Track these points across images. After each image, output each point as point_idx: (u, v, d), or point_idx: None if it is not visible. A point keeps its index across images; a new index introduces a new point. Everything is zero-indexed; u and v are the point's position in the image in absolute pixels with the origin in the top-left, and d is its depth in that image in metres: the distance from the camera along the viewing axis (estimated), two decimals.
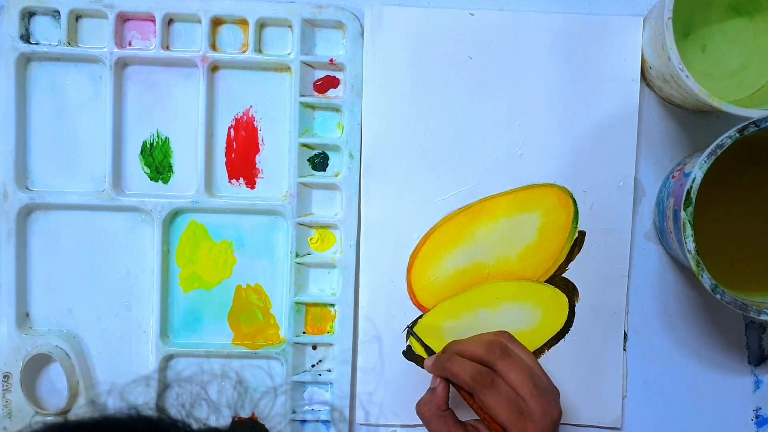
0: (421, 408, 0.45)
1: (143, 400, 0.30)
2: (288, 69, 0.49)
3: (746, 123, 0.42)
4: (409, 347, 0.51)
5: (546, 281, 0.51)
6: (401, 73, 0.49)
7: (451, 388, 0.45)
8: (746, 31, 0.48)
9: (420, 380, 0.50)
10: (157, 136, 0.50)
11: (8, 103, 0.48)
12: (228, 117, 0.50)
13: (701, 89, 0.43)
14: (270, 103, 0.50)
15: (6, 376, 0.49)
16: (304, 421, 0.51)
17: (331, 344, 0.50)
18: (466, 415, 0.45)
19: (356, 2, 0.49)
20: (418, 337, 0.49)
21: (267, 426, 0.51)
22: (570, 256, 0.51)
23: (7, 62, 0.48)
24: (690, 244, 0.42)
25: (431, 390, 0.45)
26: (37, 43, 0.49)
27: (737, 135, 0.42)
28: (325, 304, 0.50)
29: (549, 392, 0.43)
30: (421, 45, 0.49)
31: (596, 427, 0.51)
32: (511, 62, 0.50)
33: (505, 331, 0.46)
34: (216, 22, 0.49)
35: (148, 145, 0.50)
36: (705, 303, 0.51)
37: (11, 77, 0.48)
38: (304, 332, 0.51)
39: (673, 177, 0.47)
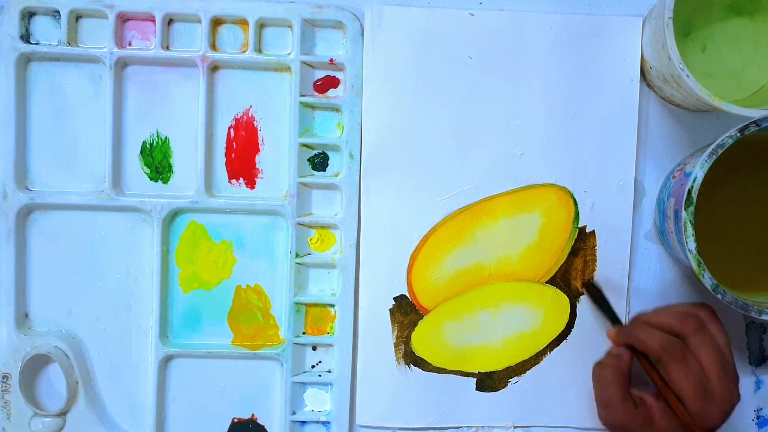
0: (601, 369, 0.44)
1: None
2: (288, 69, 0.49)
3: (747, 123, 0.42)
4: (411, 351, 0.50)
5: (547, 282, 0.51)
6: (401, 73, 0.49)
7: None
8: (746, 31, 0.48)
9: (420, 381, 0.50)
10: (157, 136, 0.50)
11: (8, 103, 0.48)
12: (228, 117, 0.50)
13: (702, 89, 0.43)
14: (270, 103, 0.50)
15: (5, 377, 0.49)
16: (303, 422, 0.51)
17: (331, 345, 0.50)
18: None
19: (356, 2, 0.49)
20: (603, 297, 0.47)
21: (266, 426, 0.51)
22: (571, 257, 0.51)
23: (7, 62, 0.48)
24: (691, 244, 0.42)
25: (614, 355, 0.44)
26: (37, 43, 0.49)
27: (738, 135, 0.42)
28: (325, 305, 0.50)
29: (734, 377, 0.42)
30: (421, 45, 0.49)
31: (600, 429, 0.51)
32: (511, 62, 0.50)
33: (707, 305, 0.44)
34: (216, 22, 0.49)
35: (147, 145, 0.50)
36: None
37: (11, 77, 0.48)
38: (304, 333, 0.50)
39: (674, 177, 0.47)
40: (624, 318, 0.51)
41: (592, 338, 0.51)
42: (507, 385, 0.51)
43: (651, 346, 0.43)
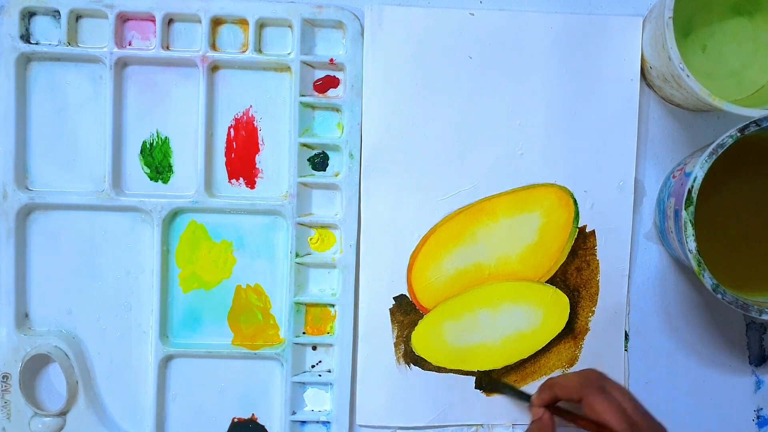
0: None
1: None
2: (288, 69, 0.49)
3: (747, 122, 0.42)
4: (411, 350, 0.50)
5: (547, 281, 0.51)
6: (401, 72, 0.49)
7: None
8: (746, 31, 0.49)
9: (420, 380, 0.50)
10: (157, 136, 0.50)
11: (8, 103, 0.48)
12: (228, 117, 0.50)
13: (702, 89, 0.43)
14: (270, 103, 0.50)
15: (5, 377, 0.49)
16: (303, 422, 0.51)
17: (331, 345, 0.50)
18: None
19: (356, 2, 0.49)
20: (507, 385, 0.48)
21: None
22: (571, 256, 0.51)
23: (7, 62, 0.48)
24: (691, 244, 0.42)
25: (537, 420, 0.45)
26: (37, 43, 0.49)
27: (738, 134, 0.42)
28: (325, 305, 0.50)
29: (654, 418, 0.42)
30: (422, 45, 0.49)
31: None
32: (511, 62, 0.50)
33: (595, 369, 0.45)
34: (216, 22, 0.49)
35: (147, 145, 0.50)
36: (706, 303, 0.51)
37: (11, 77, 0.48)
38: (304, 332, 0.50)
39: (674, 177, 0.47)
40: (624, 320, 0.51)
41: (592, 337, 0.51)
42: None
43: (571, 386, 0.43)
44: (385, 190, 0.50)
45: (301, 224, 0.50)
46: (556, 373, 0.51)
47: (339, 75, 0.50)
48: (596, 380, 0.43)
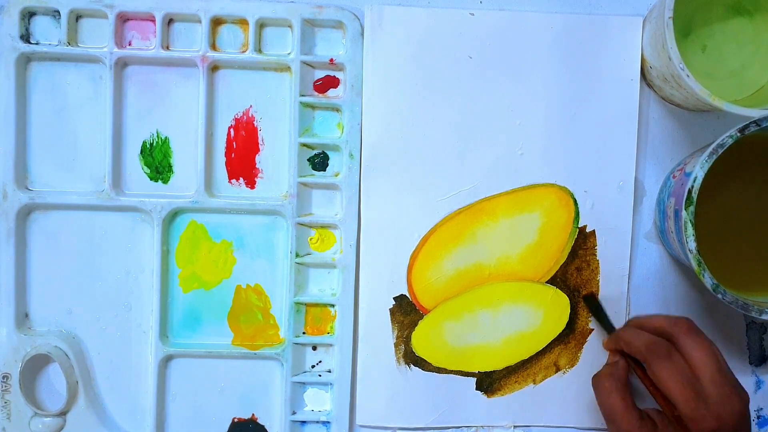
0: (601, 380, 0.42)
1: None
2: (288, 69, 0.49)
3: (747, 122, 0.42)
4: (411, 351, 0.50)
5: (547, 282, 0.51)
6: (401, 72, 0.49)
7: None
8: (746, 31, 0.48)
9: (420, 381, 0.50)
10: (157, 136, 0.50)
11: (8, 103, 0.48)
12: (228, 117, 0.50)
13: (702, 89, 0.43)
14: (270, 103, 0.50)
15: (5, 377, 0.49)
16: (303, 422, 0.51)
17: (331, 345, 0.50)
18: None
19: (356, 2, 0.49)
20: (600, 308, 0.46)
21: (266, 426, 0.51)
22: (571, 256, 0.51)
23: (7, 62, 0.48)
24: (691, 244, 0.42)
25: (609, 363, 0.43)
26: (37, 43, 0.49)
27: (738, 134, 0.42)
28: (325, 305, 0.50)
29: (735, 384, 0.39)
30: (422, 45, 0.49)
31: (599, 429, 0.51)
32: (512, 62, 0.50)
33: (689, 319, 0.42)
34: (216, 22, 0.49)
35: (147, 145, 0.50)
36: (706, 303, 0.51)
37: (11, 77, 0.48)
38: (304, 333, 0.50)
39: (674, 177, 0.47)
40: (624, 320, 0.51)
41: (592, 338, 0.51)
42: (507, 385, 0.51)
43: (635, 346, 0.42)
44: (385, 190, 0.50)
45: (301, 224, 0.50)
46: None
47: (339, 75, 0.50)
48: (665, 344, 0.40)
